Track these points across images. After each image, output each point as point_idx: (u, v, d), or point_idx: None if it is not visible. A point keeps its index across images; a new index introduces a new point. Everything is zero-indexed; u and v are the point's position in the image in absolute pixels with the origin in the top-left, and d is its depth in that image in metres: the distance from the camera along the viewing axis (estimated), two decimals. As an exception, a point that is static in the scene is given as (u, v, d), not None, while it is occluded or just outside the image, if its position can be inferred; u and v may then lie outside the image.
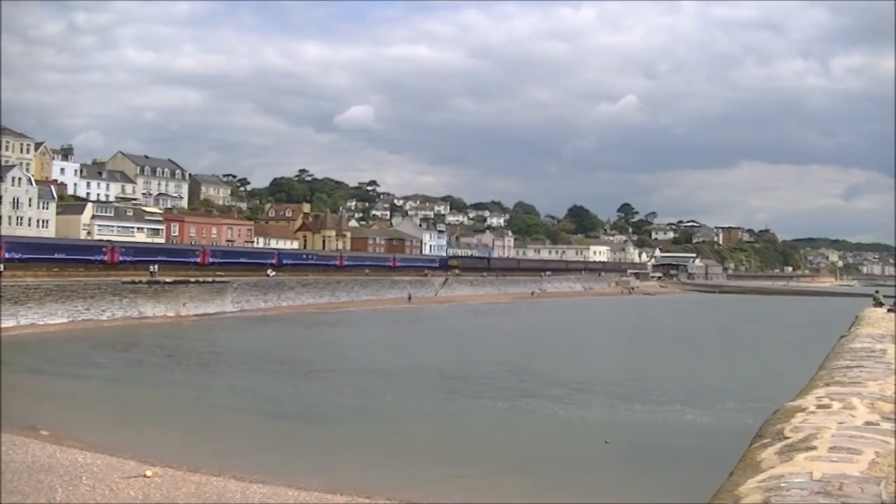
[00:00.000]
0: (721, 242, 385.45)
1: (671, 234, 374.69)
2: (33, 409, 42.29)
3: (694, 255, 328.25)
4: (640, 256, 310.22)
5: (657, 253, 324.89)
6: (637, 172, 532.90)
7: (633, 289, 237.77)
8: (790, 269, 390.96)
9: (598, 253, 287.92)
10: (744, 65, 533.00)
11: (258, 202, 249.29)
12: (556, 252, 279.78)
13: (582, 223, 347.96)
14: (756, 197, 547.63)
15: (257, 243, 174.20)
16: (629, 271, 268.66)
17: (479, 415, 43.80)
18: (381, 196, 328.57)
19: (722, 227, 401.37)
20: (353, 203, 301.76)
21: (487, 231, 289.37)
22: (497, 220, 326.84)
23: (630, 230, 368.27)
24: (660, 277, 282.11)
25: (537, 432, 39.13)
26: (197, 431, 37.32)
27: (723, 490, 6.31)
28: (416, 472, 30.58)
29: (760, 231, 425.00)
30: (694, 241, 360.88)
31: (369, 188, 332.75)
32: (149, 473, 25.99)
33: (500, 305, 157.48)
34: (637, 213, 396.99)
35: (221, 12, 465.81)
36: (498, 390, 51.63)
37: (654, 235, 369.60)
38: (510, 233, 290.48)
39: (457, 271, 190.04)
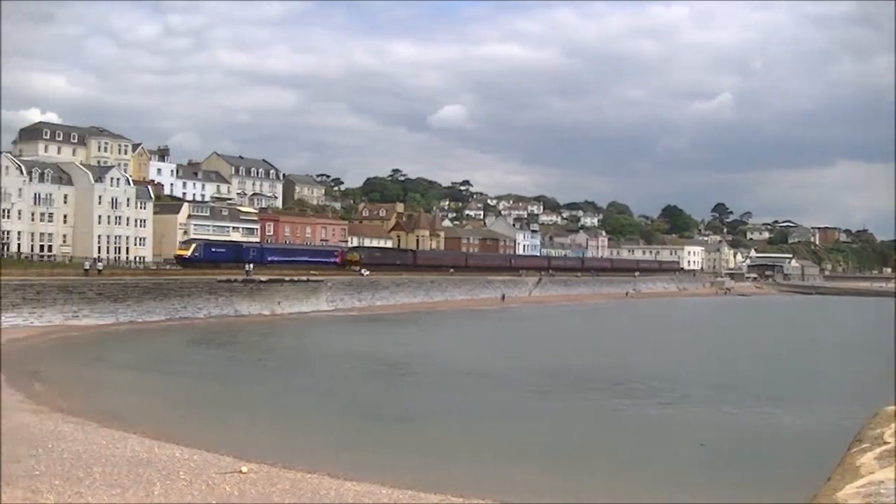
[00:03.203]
0: (817, 243, 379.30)
1: (766, 235, 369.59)
2: (128, 404, 42.80)
3: (790, 255, 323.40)
4: (734, 257, 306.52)
5: (752, 253, 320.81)
6: (731, 171, 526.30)
7: (728, 289, 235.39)
8: (889, 270, 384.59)
9: (693, 253, 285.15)
10: (840, 61, 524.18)
11: (352, 202, 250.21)
12: (650, 252, 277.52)
13: (676, 223, 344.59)
14: (853, 196, 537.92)
15: (351, 243, 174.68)
16: (724, 272, 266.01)
17: (572, 415, 43.64)
18: (475, 196, 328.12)
19: (818, 228, 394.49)
20: (447, 203, 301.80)
21: (581, 231, 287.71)
22: (591, 220, 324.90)
23: (725, 230, 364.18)
24: (755, 278, 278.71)
25: (630, 433, 38.86)
26: (290, 429, 37.52)
27: (820, 494, 6.11)
28: (508, 471, 30.53)
29: (858, 231, 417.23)
30: (790, 241, 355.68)
31: (462, 188, 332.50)
32: (244, 469, 26.19)
33: (594, 305, 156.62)
34: (732, 212, 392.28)
35: (312, 13, 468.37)
36: (591, 390, 51.39)
37: (749, 236, 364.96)
38: (604, 233, 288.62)
39: (551, 272, 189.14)
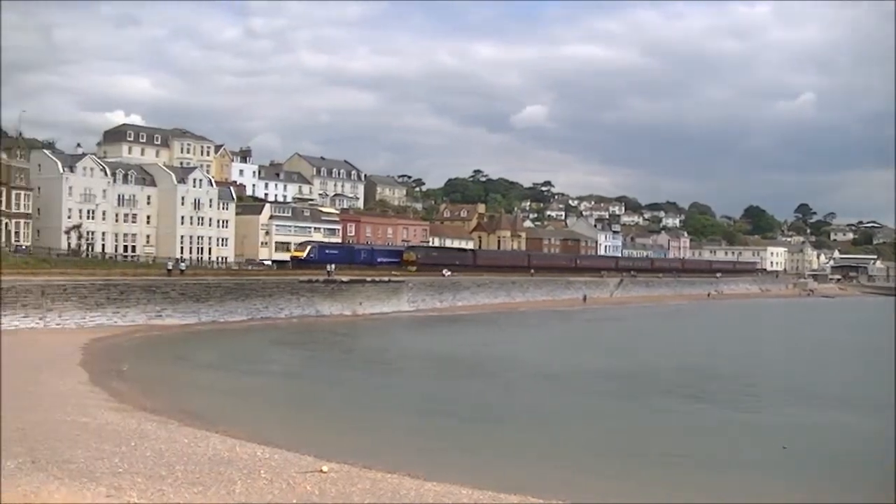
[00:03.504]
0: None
1: (850, 235, 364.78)
2: (210, 403, 42.94)
3: (874, 256, 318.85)
4: (818, 258, 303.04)
5: (836, 254, 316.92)
6: (815, 171, 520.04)
7: (811, 291, 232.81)
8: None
9: (775, 254, 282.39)
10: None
11: (433, 202, 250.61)
12: (732, 253, 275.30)
13: (758, 224, 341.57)
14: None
15: (432, 243, 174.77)
16: (807, 273, 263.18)
17: (652, 416, 43.38)
18: (556, 196, 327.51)
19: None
20: (528, 203, 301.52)
21: (663, 232, 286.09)
22: (672, 221, 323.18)
23: (808, 231, 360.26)
24: (839, 280, 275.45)
25: (711, 435, 38.40)
26: (371, 429, 37.51)
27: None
28: (588, 473, 30.31)
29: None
30: (874, 242, 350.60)
31: (543, 188, 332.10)
32: (325, 469, 26.13)
33: (676, 307, 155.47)
34: (815, 213, 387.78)
35: (393, 14, 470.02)
36: (671, 392, 51.03)
37: (832, 236, 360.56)
38: (686, 233, 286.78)
39: (633, 273, 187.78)
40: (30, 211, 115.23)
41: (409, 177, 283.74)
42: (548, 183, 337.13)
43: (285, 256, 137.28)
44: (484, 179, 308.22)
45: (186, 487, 22.90)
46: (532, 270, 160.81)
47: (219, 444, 29.95)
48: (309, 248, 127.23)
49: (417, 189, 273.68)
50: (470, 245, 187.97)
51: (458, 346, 78.81)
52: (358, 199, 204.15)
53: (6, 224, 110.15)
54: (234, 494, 22.72)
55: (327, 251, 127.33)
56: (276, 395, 48.20)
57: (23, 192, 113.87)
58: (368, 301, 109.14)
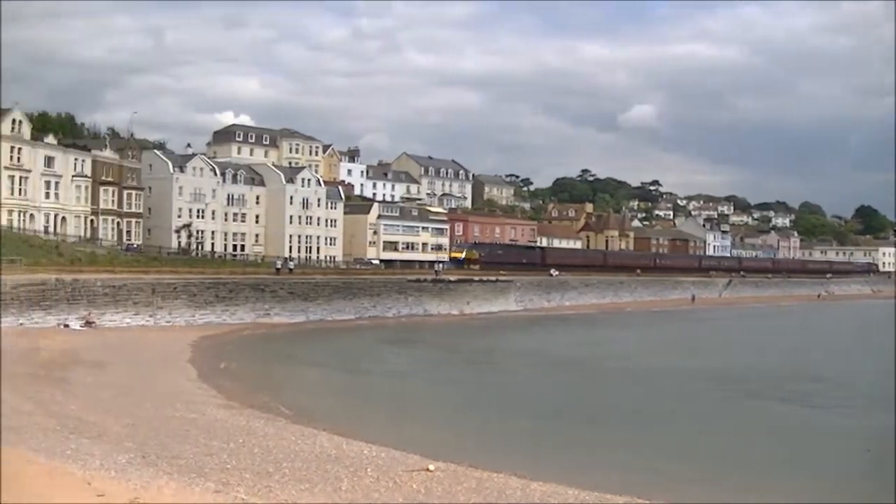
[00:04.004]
0: None
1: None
2: (318, 401, 43.07)
3: None
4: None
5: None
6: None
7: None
8: None
9: (888, 255, 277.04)
10: None
11: (541, 202, 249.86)
12: (843, 253, 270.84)
13: (870, 224, 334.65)
14: None
15: (540, 243, 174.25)
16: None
17: (753, 417, 42.71)
18: (664, 196, 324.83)
19: None
20: (636, 203, 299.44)
21: (772, 232, 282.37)
22: (782, 221, 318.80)
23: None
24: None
25: (803, 436, 37.53)
26: (476, 428, 37.41)
27: None
28: (693, 474, 29.81)
29: None
30: None
31: (652, 188, 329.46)
32: (431, 468, 26.15)
33: (786, 308, 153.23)
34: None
35: (500, 14, 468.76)
36: (772, 394, 49.96)
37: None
38: (795, 233, 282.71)
39: (742, 273, 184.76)
40: (141, 210, 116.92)
41: (517, 176, 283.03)
42: (656, 182, 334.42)
43: (393, 256, 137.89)
44: (592, 179, 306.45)
45: (293, 484, 23.03)
46: (601, 268, 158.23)
47: (326, 441, 30.10)
48: (474, 250, 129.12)
49: (525, 188, 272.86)
50: (578, 245, 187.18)
51: (565, 346, 78.50)
52: (466, 198, 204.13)
53: (118, 223, 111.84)
54: (340, 492, 22.79)
55: (499, 252, 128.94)
56: (382, 393, 48.25)
57: (134, 192, 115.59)
58: (476, 300, 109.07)
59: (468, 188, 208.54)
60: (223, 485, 22.07)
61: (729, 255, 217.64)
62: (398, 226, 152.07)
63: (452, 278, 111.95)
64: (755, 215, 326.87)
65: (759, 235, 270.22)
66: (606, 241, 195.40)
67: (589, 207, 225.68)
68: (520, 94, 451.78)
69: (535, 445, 33.69)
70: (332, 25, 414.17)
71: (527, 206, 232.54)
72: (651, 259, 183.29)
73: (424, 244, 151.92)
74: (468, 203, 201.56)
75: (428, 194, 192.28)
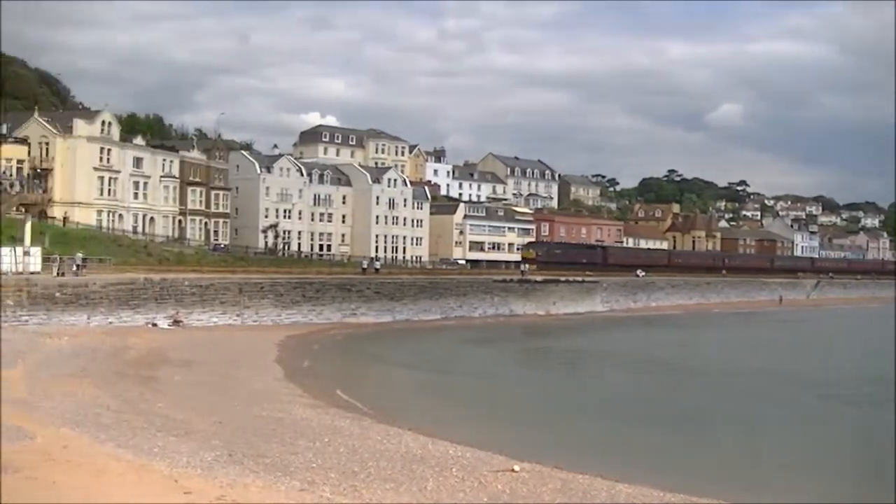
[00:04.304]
0: None
1: None
2: (403, 401, 43.05)
3: None
4: None
5: None
6: None
7: None
8: None
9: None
10: None
11: (627, 202, 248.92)
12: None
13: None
14: None
15: (626, 243, 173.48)
16: None
17: (841, 422, 42.02)
18: (751, 196, 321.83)
19: None
20: (723, 203, 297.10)
21: (861, 232, 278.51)
22: (871, 221, 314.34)
23: None
24: None
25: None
26: (562, 428, 37.20)
27: None
28: (778, 478, 29.27)
29: None
30: None
31: (739, 188, 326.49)
32: (516, 468, 26.01)
33: (874, 309, 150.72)
34: None
35: (584, 13, 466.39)
36: (861, 399, 48.95)
37: None
38: (885, 234, 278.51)
39: (826, 276, 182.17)
40: (228, 210, 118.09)
41: (603, 176, 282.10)
42: (743, 182, 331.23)
43: (479, 256, 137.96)
44: (678, 179, 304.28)
45: (378, 484, 23.00)
46: (641, 271, 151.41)
47: (411, 441, 30.08)
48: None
49: (611, 189, 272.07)
50: (664, 245, 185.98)
51: (651, 346, 78.00)
52: (552, 198, 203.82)
53: (206, 223, 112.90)
54: (425, 492, 22.75)
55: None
56: (468, 393, 48.18)
57: (222, 193, 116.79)
58: (562, 301, 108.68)
59: (554, 188, 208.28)
60: (308, 483, 22.09)
61: (817, 255, 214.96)
62: (484, 226, 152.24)
63: (538, 278, 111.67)
64: (844, 216, 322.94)
65: (847, 236, 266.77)
66: (693, 242, 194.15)
67: (675, 208, 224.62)
68: (605, 94, 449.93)
69: (621, 447, 33.45)
70: (418, 26, 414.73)
71: (613, 206, 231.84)
72: (719, 259, 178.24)
73: (510, 244, 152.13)
74: (554, 203, 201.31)
75: (514, 194, 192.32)
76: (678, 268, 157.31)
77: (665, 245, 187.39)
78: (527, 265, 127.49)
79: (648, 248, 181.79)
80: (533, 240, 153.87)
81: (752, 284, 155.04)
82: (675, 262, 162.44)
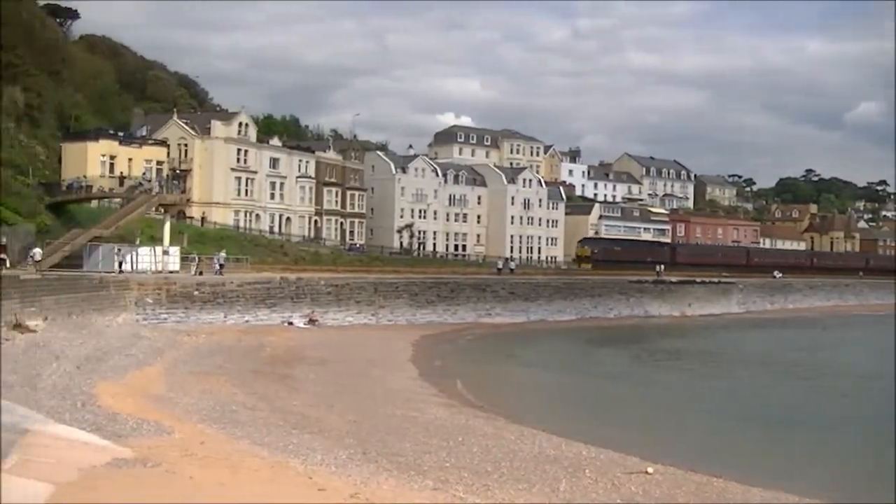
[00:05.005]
0: None
1: None
2: (537, 401, 42.93)
3: None
4: None
5: None
6: None
7: None
8: None
9: None
10: None
11: (763, 203, 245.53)
12: None
13: None
14: None
15: (763, 244, 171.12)
16: None
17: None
18: (892, 196, 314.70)
19: None
20: (862, 203, 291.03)
21: None
22: None
23: None
24: None
25: None
26: (695, 431, 36.66)
27: None
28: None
29: None
30: None
31: (878, 188, 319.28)
32: (650, 470, 25.90)
33: None
34: None
35: (721, 12, 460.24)
36: None
37: None
38: None
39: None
40: (364, 211, 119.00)
41: (740, 176, 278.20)
42: (883, 182, 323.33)
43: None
44: (816, 179, 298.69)
45: (511, 484, 23.04)
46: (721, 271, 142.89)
47: (544, 441, 30.04)
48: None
49: (748, 189, 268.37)
50: (802, 246, 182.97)
51: (787, 349, 76.73)
52: (687, 199, 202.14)
53: (341, 223, 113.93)
54: (558, 493, 22.76)
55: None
56: (601, 394, 47.78)
57: (357, 193, 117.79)
58: (697, 302, 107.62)
59: (690, 188, 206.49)
60: (441, 483, 22.17)
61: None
62: (619, 226, 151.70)
63: (674, 279, 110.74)
64: None
65: None
66: (831, 243, 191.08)
67: (813, 208, 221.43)
68: (741, 93, 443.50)
69: (757, 450, 32.88)
70: (552, 26, 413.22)
71: (749, 206, 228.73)
72: (807, 258, 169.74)
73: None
74: (690, 204, 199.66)
75: (649, 195, 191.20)
76: (759, 267, 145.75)
77: (803, 246, 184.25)
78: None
79: (723, 245, 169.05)
80: (669, 240, 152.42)
81: (892, 287, 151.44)
82: (755, 262, 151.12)
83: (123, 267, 64.25)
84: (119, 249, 65.13)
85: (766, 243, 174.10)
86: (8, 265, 53.48)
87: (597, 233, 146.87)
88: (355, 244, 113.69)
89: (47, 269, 56.32)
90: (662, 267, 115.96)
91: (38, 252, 56.26)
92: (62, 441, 19.87)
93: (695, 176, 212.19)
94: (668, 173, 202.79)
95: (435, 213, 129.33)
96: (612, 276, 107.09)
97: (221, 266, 71.14)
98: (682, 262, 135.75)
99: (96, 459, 18.26)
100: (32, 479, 15.11)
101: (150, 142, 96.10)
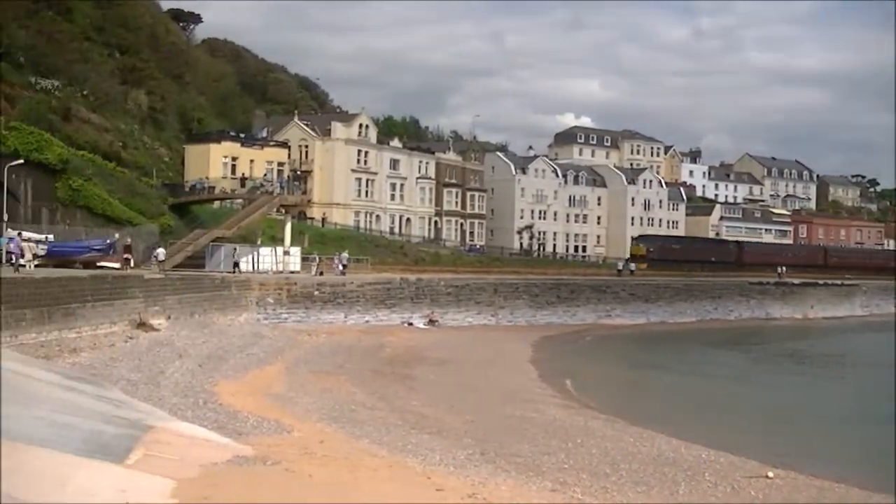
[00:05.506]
0: None
1: None
2: (655, 404, 42.60)
3: None
4: None
5: None
6: None
7: None
8: None
9: None
10: None
11: (888, 203, 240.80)
12: None
13: None
14: None
15: (887, 245, 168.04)
16: None
17: None
18: None
19: None
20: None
21: None
22: None
23: None
24: None
25: None
26: (818, 436, 35.96)
27: None
28: None
29: None
30: None
31: None
32: (770, 475, 25.53)
33: None
34: None
35: (844, 9, 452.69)
36: None
37: None
38: None
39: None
40: (484, 212, 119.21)
41: (863, 177, 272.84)
42: None
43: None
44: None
45: (630, 486, 22.97)
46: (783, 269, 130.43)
47: (664, 444, 29.87)
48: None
49: (872, 189, 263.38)
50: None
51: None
52: (809, 199, 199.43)
53: (461, 224, 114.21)
54: (677, 496, 22.67)
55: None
56: (721, 396, 47.25)
57: (477, 194, 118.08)
58: (820, 304, 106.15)
59: (812, 189, 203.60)
60: (560, 484, 22.13)
61: None
62: (740, 227, 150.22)
63: (796, 281, 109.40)
64: None
65: None
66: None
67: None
68: (865, 91, 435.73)
69: (880, 455, 32.13)
70: (672, 25, 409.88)
71: (873, 207, 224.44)
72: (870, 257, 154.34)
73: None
74: (812, 205, 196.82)
75: (771, 195, 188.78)
76: (833, 267, 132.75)
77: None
78: (633, 264, 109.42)
79: (797, 245, 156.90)
80: (791, 241, 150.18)
81: None
82: (832, 262, 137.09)
83: (240, 267, 65.18)
84: (235, 250, 66.08)
85: (891, 244, 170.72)
86: (132, 265, 54.46)
87: (717, 234, 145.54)
88: (475, 245, 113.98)
89: (170, 268, 57.51)
90: (785, 268, 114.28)
91: (161, 252, 57.40)
92: (184, 438, 20.13)
93: (817, 176, 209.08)
94: (790, 174, 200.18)
95: (555, 214, 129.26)
96: (733, 278, 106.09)
97: (345, 266, 71.86)
98: (749, 262, 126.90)
99: (217, 456, 18.49)
100: (156, 475, 15.35)
101: (271, 143, 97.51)
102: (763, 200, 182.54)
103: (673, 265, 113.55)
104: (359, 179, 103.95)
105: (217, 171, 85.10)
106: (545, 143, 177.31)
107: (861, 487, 25.24)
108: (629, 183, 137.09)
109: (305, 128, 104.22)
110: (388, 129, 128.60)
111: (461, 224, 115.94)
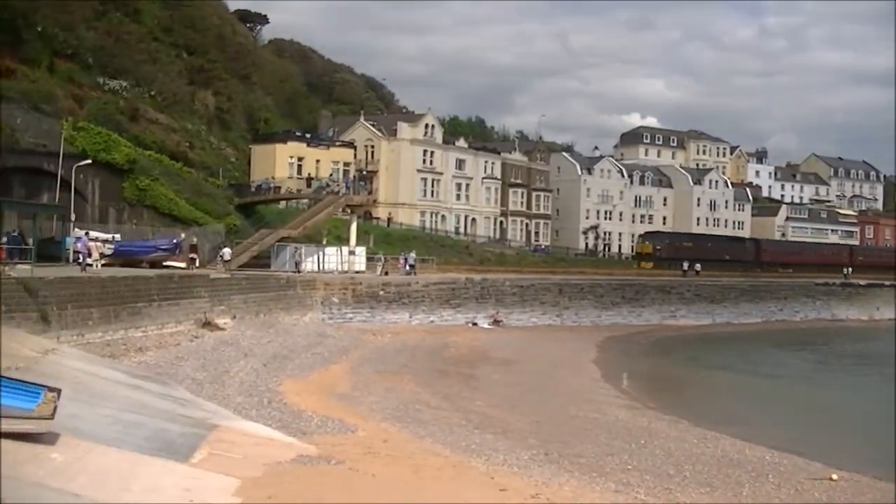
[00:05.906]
0: None
1: None
2: (719, 404, 42.42)
3: None
4: None
5: None
6: None
7: None
8: None
9: None
10: None
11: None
12: None
13: None
14: None
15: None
16: None
17: None
18: None
19: None
20: None
21: None
22: None
23: None
24: None
25: None
26: (880, 437, 35.37)
27: None
28: None
29: None
30: None
31: None
32: (834, 477, 25.45)
33: None
34: None
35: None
36: None
37: None
38: None
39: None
40: (549, 212, 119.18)
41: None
42: None
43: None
44: None
45: (694, 487, 23.00)
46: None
47: (728, 445, 29.81)
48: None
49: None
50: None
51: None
52: (876, 200, 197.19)
53: (526, 224, 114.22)
54: (740, 496, 22.70)
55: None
56: (786, 398, 46.98)
57: (543, 194, 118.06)
58: (886, 305, 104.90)
59: (879, 190, 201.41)
60: (623, 485, 22.21)
61: None
62: (806, 228, 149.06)
63: (862, 282, 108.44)
64: None
65: None
66: None
67: None
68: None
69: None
70: (739, 25, 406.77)
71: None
72: None
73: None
74: (879, 205, 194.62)
75: (837, 196, 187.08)
76: (863, 267, 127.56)
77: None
78: (642, 262, 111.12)
79: (821, 243, 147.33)
80: (858, 242, 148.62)
81: None
82: (859, 262, 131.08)
83: (302, 267, 65.40)
84: (296, 249, 66.30)
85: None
86: (198, 264, 54.90)
87: (783, 235, 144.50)
88: (540, 245, 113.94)
89: (236, 268, 57.87)
90: (850, 269, 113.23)
91: (227, 252, 57.80)
92: (249, 437, 20.40)
93: (884, 177, 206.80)
94: (857, 174, 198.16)
95: (620, 214, 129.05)
96: (798, 279, 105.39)
97: (412, 266, 72.03)
98: (768, 260, 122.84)
99: (281, 455, 18.72)
100: (220, 474, 15.56)
101: (337, 143, 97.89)
102: (829, 201, 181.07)
103: (685, 263, 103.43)
104: (424, 179, 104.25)
105: (283, 172, 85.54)
106: (611, 143, 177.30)
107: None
108: (695, 183, 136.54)
109: (371, 128, 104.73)
110: (454, 130, 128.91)
111: (526, 224, 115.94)
